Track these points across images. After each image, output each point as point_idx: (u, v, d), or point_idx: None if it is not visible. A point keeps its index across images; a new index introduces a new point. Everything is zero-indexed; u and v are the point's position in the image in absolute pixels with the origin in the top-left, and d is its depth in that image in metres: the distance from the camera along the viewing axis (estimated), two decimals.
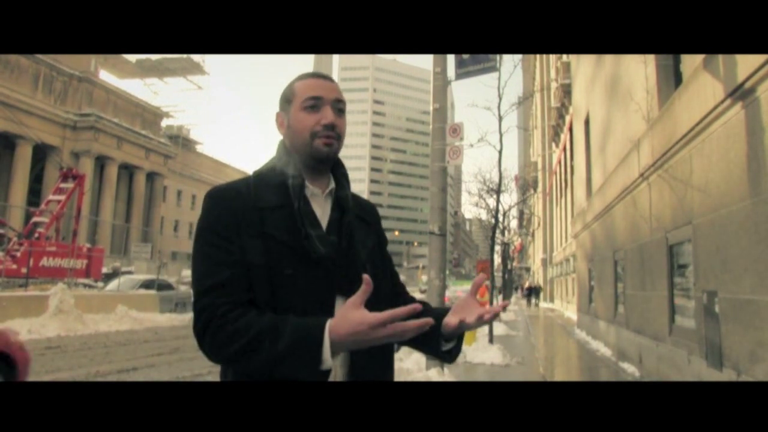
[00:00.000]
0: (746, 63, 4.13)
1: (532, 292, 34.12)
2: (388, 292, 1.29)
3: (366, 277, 1.01)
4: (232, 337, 1.04)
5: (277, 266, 1.11)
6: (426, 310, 1.23)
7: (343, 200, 1.23)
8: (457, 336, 1.25)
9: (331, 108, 1.20)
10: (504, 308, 1.19)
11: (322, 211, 1.21)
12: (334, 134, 1.20)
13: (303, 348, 1.00)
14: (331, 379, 1.11)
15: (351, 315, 1.00)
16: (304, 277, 1.10)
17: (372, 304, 1.18)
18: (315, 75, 1.26)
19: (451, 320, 1.19)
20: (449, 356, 1.27)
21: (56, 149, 35.37)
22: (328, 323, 1.01)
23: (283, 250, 1.12)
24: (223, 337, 1.05)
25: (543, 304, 33.90)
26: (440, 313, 1.23)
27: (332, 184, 1.25)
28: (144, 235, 38.88)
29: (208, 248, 1.14)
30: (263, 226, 1.14)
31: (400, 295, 1.36)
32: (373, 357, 1.16)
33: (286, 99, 1.25)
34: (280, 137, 1.29)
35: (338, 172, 1.27)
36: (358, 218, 1.26)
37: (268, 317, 1.06)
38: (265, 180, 1.21)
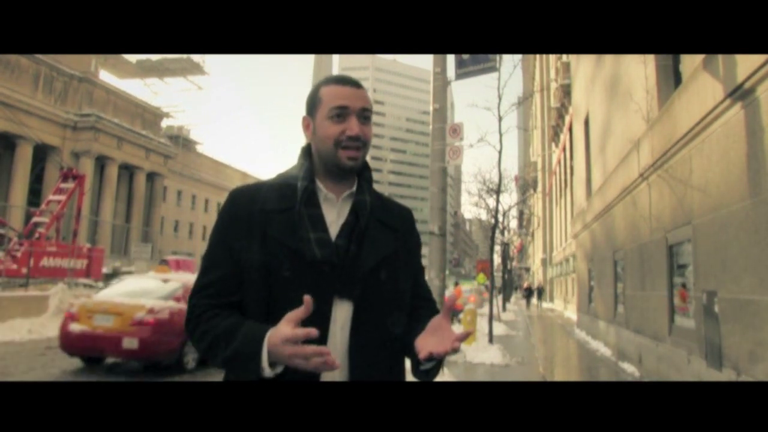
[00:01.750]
0: (746, 63, 4.13)
1: (531, 292, 32.75)
2: (410, 302, 1.27)
3: (307, 298, 1.01)
4: (201, 338, 1.13)
5: (276, 268, 1.13)
6: (421, 315, 1.21)
7: (359, 204, 1.23)
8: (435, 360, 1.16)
9: (357, 117, 1.20)
10: (468, 335, 1.16)
11: (338, 214, 1.22)
12: (360, 144, 1.20)
13: (245, 357, 1.05)
14: (331, 377, 1.12)
15: (280, 328, 1.03)
16: (302, 279, 1.11)
17: (388, 312, 1.19)
18: (342, 81, 1.24)
19: (422, 348, 1.11)
20: (426, 376, 1.20)
21: (56, 149, 35.34)
22: (268, 334, 1.04)
23: (282, 252, 1.14)
24: (196, 337, 1.15)
25: (543, 304, 33.06)
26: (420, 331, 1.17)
27: (353, 188, 1.25)
28: (144, 235, 38.88)
29: (210, 248, 1.22)
30: (267, 228, 1.16)
31: (418, 309, 1.28)
32: (373, 362, 1.16)
33: (312, 104, 1.25)
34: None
35: (362, 176, 1.27)
36: (379, 223, 1.24)
37: (229, 322, 1.12)
38: (279, 184, 1.24)
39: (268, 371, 1.04)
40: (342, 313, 1.14)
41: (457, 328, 11.35)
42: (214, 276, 1.18)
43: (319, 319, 1.10)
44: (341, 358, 1.13)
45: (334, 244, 1.16)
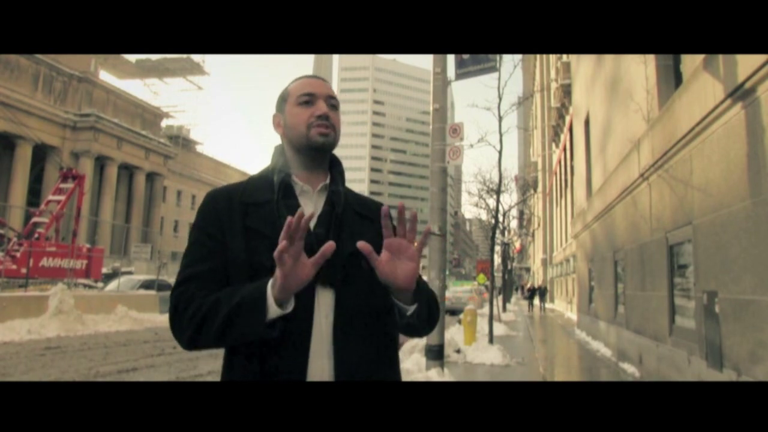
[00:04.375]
0: (746, 63, 4.13)
1: (534, 293, 31.10)
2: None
3: (330, 243, 1.04)
4: (197, 311, 1.11)
5: (258, 259, 1.15)
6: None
7: (335, 195, 1.26)
8: (414, 297, 1.18)
9: (324, 102, 1.26)
10: (429, 232, 1.20)
11: (314, 206, 1.25)
12: (329, 123, 1.25)
13: (251, 301, 1.06)
14: (319, 374, 1.12)
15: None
16: None
17: (369, 297, 1.19)
18: (307, 76, 1.33)
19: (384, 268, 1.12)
20: (416, 326, 1.20)
21: (56, 149, 35.35)
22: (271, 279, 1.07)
23: (263, 243, 1.16)
24: (189, 315, 1.12)
25: (545, 305, 31.31)
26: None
27: (326, 181, 1.29)
28: (144, 236, 38.87)
29: (192, 244, 1.23)
30: (247, 221, 1.19)
31: None
32: (359, 350, 1.16)
33: (282, 99, 1.32)
34: (276, 138, 1.35)
35: (335, 170, 1.32)
36: (356, 214, 1.28)
37: (230, 288, 1.13)
38: (256, 180, 1.28)
39: (274, 309, 1.05)
40: (325, 301, 1.15)
41: (458, 330, 11.35)
42: (200, 269, 1.18)
43: (303, 308, 1.12)
44: (326, 346, 1.14)
45: (314, 233, 1.18)
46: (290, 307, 1.07)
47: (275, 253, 1.00)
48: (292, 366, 1.10)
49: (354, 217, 1.27)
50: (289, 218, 1.00)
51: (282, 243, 1.00)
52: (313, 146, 1.24)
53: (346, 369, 1.13)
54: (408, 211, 1.18)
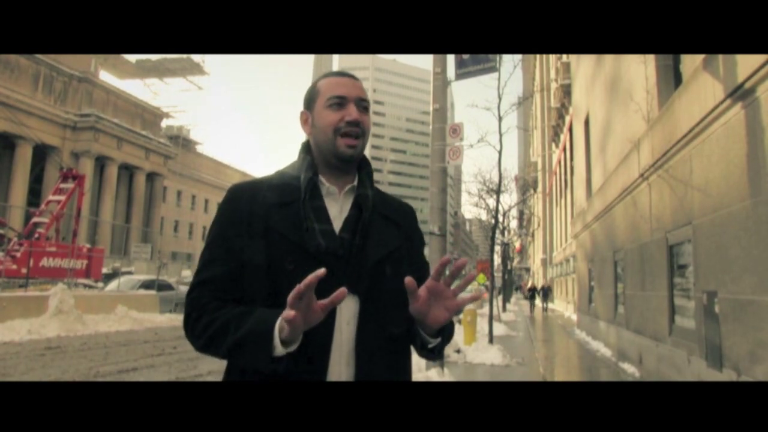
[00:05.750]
0: (746, 63, 4.13)
1: (535, 293, 30.62)
2: None
3: (342, 290, 0.99)
4: (207, 327, 1.10)
5: (279, 262, 1.12)
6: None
7: (362, 198, 1.22)
8: (440, 332, 1.19)
9: (355, 105, 1.21)
10: (476, 298, 1.17)
11: (340, 208, 1.21)
12: (359, 130, 1.20)
13: (258, 334, 1.04)
14: (338, 373, 1.11)
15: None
16: (306, 273, 1.04)
17: (393, 306, 1.17)
18: (339, 74, 1.27)
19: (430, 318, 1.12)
20: (433, 354, 1.22)
21: (56, 150, 35.32)
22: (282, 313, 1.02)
23: (285, 246, 1.13)
24: (200, 327, 1.12)
25: (548, 305, 29.69)
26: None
27: (354, 183, 1.25)
28: (144, 236, 38.86)
29: (210, 244, 1.20)
30: (269, 222, 1.15)
31: None
32: (380, 358, 1.15)
33: (311, 97, 1.26)
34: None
35: (363, 171, 1.27)
36: (382, 217, 1.24)
37: (240, 309, 1.10)
38: (281, 178, 1.23)
39: (280, 349, 1.02)
40: (348, 308, 1.13)
41: (458, 330, 11.35)
42: (215, 272, 1.16)
43: (326, 315, 1.09)
44: (347, 353, 1.12)
45: (339, 237, 1.15)
46: (296, 346, 1.04)
47: (284, 316, 0.97)
48: (310, 371, 1.08)
49: (381, 222, 1.23)
50: (298, 286, 0.95)
51: (289, 313, 0.97)
52: (340, 157, 1.20)
53: (366, 377, 1.12)
54: (466, 270, 1.17)
